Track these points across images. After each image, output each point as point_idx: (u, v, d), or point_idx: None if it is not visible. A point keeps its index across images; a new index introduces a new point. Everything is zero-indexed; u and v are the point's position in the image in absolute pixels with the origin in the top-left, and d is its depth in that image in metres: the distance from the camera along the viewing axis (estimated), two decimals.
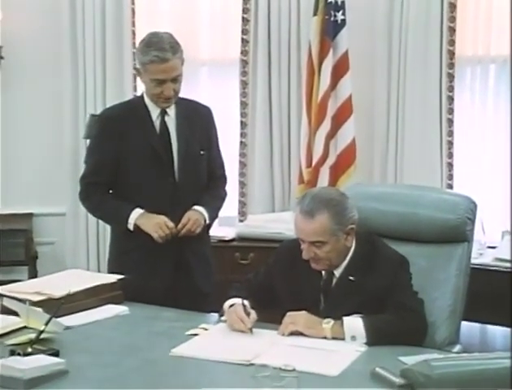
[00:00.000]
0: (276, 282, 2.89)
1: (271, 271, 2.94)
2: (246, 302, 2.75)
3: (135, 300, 3.04)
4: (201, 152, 3.35)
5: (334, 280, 2.82)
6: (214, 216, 3.41)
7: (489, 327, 4.83)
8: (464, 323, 4.40)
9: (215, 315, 2.98)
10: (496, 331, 4.86)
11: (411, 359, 2.28)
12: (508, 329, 4.51)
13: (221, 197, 3.52)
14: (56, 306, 2.58)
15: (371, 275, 2.75)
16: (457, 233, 3.01)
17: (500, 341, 4.86)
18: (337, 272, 2.81)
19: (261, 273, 2.99)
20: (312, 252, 2.74)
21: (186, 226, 3.24)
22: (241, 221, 5.19)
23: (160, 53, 3.12)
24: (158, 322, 2.83)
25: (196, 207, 3.30)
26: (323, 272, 2.82)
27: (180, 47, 3.19)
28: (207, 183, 3.42)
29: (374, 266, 2.77)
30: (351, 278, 2.78)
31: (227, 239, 4.78)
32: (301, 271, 2.81)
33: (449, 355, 2.57)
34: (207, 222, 3.34)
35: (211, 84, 5.50)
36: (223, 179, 3.55)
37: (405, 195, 3.19)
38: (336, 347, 2.49)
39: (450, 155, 4.96)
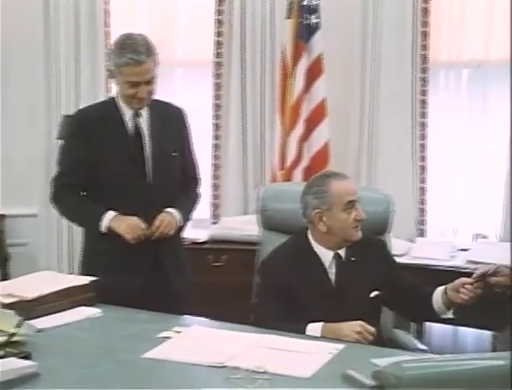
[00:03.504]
0: (291, 289, 2.92)
1: (280, 289, 2.93)
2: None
3: (108, 302, 3.02)
4: (174, 153, 3.35)
5: (341, 261, 3.01)
6: (187, 218, 3.42)
7: (460, 329, 4.87)
8: (436, 326, 4.45)
9: (189, 318, 2.99)
10: (468, 333, 4.90)
11: (383, 361, 2.29)
12: (479, 331, 4.57)
13: (194, 198, 3.53)
14: (28, 308, 2.56)
15: (368, 255, 3.03)
16: (383, 226, 3.42)
17: (471, 343, 4.90)
18: (342, 253, 3.01)
19: (272, 299, 2.96)
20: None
21: (159, 229, 3.24)
22: (214, 223, 5.18)
23: (135, 55, 3.11)
24: (131, 324, 2.82)
25: (168, 209, 3.30)
26: (331, 256, 3.00)
27: (154, 49, 3.19)
28: (180, 184, 3.42)
29: (367, 248, 3.04)
30: (353, 259, 3.01)
31: (200, 241, 4.77)
32: (303, 268, 2.96)
33: (421, 357, 2.59)
34: (180, 224, 3.34)
35: (186, 85, 5.50)
36: (196, 180, 3.56)
37: None
38: (309, 349, 2.50)
39: (423, 158, 4.98)
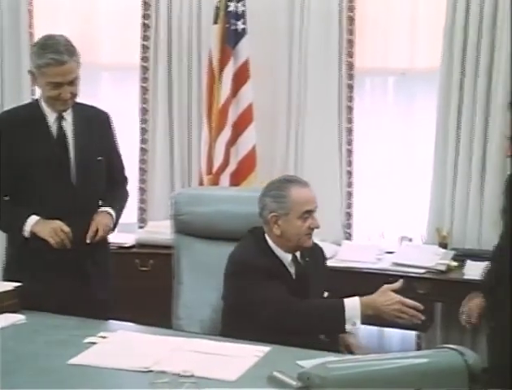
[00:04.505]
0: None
1: (267, 272, 2.95)
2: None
3: (33, 308, 2.97)
4: (99, 158, 3.33)
5: (298, 262, 3.07)
6: (119, 216, 3.41)
7: (386, 329, 4.94)
8: (361, 327, 4.48)
9: (114, 322, 2.98)
10: (393, 334, 4.98)
11: (309, 363, 2.32)
12: (404, 331, 4.65)
13: (124, 196, 3.56)
14: None
15: (315, 258, 3.15)
16: None
17: (396, 343, 4.98)
18: (298, 255, 3.08)
19: (279, 289, 2.92)
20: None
21: (98, 233, 3.22)
22: (141, 227, 5.16)
23: (56, 55, 3.08)
24: (55, 330, 2.79)
25: (103, 209, 3.30)
26: (290, 257, 3.05)
27: (76, 50, 3.16)
28: (108, 186, 3.40)
29: (313, 252, 3.15)
30: (307, 259, 3.09)
31: (126, 245, 4.75)
32: (269, 264, 2.99)
33: (346, 357, 2.62)
34: (114, 221, 3.34)
35: (112, 89, 5.47)
36: (124, 179, 3.57)
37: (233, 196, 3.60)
38: (235, 352, 2.52)
39: (350, 163, 5.03)
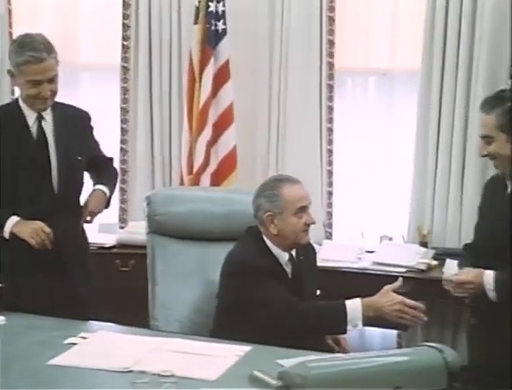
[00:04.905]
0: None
1: (269, 272, 2.97)
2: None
3: (13, 309, 2.95)
4: (79, 157, 3.32)
5: (293, 261, 3.11)
6: (112, 192, 3.47)
7: (367, 329, 4.95)
8: None
9: (95, 323, 2.97)
10: (374, 333, 4.99)
11: (289, 362, 2.33)
12: (385, 330, 4.66)
13: (114, 173, 3.64)
14: None
15: (308, 257, 3.19)
16: None
17: (377, 342, 5.00)
18: (293, 253, 3.11)
19: (278, 289, 2.93)
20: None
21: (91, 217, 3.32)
22: (122, 228, 5.14)
23: (35, 53, 3.07)
24: (36, 331, 2.78)
25: (97, 187, 3.38)
26: (286, 257, 3.08)
27: (53, 47, 3.16)
28: (96, 170, 3.47)
29: (307, 251, 3.19)
30: (301, 257, 3.14)
31: (107, 246, 4.73)
32: (267, 265, 2.99)
33: (326, 356, 2.62)
34: (107, 197, 3.41)
35: (92, 89, 5.45)
36: (109, 160, 3.63)
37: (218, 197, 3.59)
38: (215, 351, 2.52)
39: (330, 163, 5.04)
